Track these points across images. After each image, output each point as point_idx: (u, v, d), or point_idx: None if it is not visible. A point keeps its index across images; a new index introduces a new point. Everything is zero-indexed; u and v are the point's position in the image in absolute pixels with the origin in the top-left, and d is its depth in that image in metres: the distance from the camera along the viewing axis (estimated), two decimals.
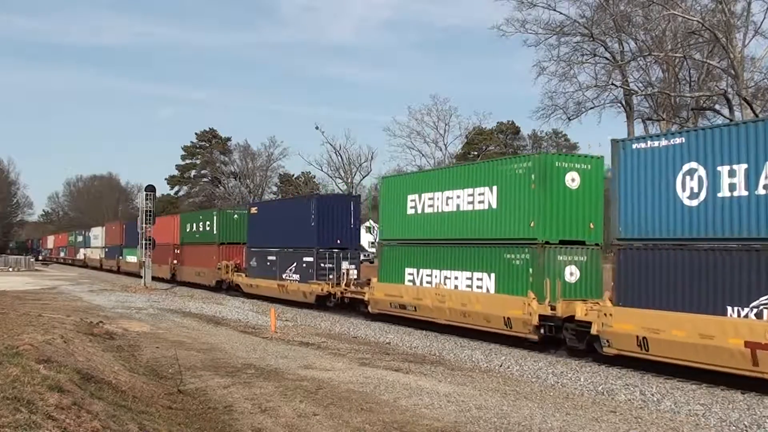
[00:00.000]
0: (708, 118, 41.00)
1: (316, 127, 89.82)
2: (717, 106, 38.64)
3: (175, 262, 44.76)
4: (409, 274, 22.20)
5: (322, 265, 27.67)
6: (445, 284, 20.44)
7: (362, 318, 25.27)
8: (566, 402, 11.87)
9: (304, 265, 28.56)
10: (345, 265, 27.62)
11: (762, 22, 34.45)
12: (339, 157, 63.01)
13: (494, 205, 18.67)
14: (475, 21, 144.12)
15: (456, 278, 20.01)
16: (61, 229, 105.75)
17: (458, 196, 20.10)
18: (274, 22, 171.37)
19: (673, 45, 37.56)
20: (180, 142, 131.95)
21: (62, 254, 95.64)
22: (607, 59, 39.99)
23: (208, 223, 39.75)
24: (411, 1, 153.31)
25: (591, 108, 40.63)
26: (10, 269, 62.82)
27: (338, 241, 28.10)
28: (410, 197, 22.48)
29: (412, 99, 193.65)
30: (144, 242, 42.01)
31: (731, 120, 34.93)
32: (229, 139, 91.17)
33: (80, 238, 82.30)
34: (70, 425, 6.39)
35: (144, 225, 42.16)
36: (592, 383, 13.81)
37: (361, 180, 62.22)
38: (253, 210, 34.92)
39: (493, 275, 18.46)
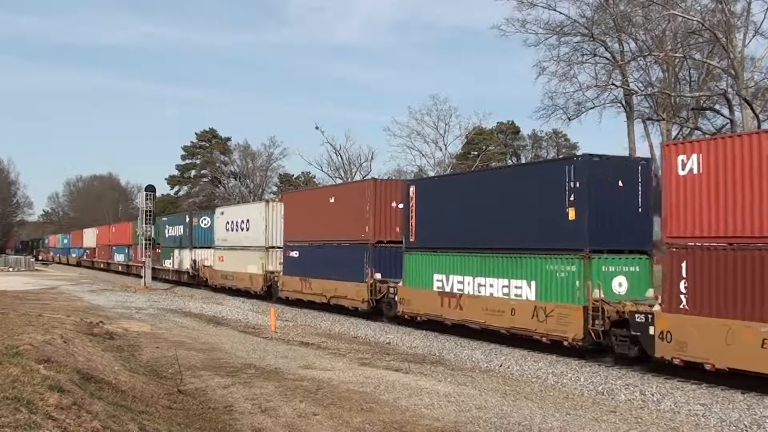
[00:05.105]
0: (708, 118, 41.04)
1: (316, 127, 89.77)
2: (717, 106, 38.63)
3: None
4: None
5: None
6: None
7: (360, 318, 25.17)
8: (566, 402, 11.88)
9: None
10: None
11: (762, 22, 34.37)
12: (339, 157, 62.97)
13: None
14: (476, 21, 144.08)
15: None
16: (63, 229, 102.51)
17: None
18: (278, 22, 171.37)
19: (673, 45, 37.50)
20: (180, 142, 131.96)
21: (119, 258, 57.89)
22: (607, 59, 39.95)
23: None
24: (413, 0, 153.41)
25: (591, 108, 40.54)
26: (10, 269, 62.80)
27: None
28: None
29: (412, 99, 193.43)
30: (144, 242, 42.00)
31: (731, 119, 34.99)
32: (229, 139, 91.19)
33: (176, 230, 43.48)
34: (70, 425, 6.39)
35: (144, 225, 42.14)
36: (592, 383, 13.81)
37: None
38: None
39: None
